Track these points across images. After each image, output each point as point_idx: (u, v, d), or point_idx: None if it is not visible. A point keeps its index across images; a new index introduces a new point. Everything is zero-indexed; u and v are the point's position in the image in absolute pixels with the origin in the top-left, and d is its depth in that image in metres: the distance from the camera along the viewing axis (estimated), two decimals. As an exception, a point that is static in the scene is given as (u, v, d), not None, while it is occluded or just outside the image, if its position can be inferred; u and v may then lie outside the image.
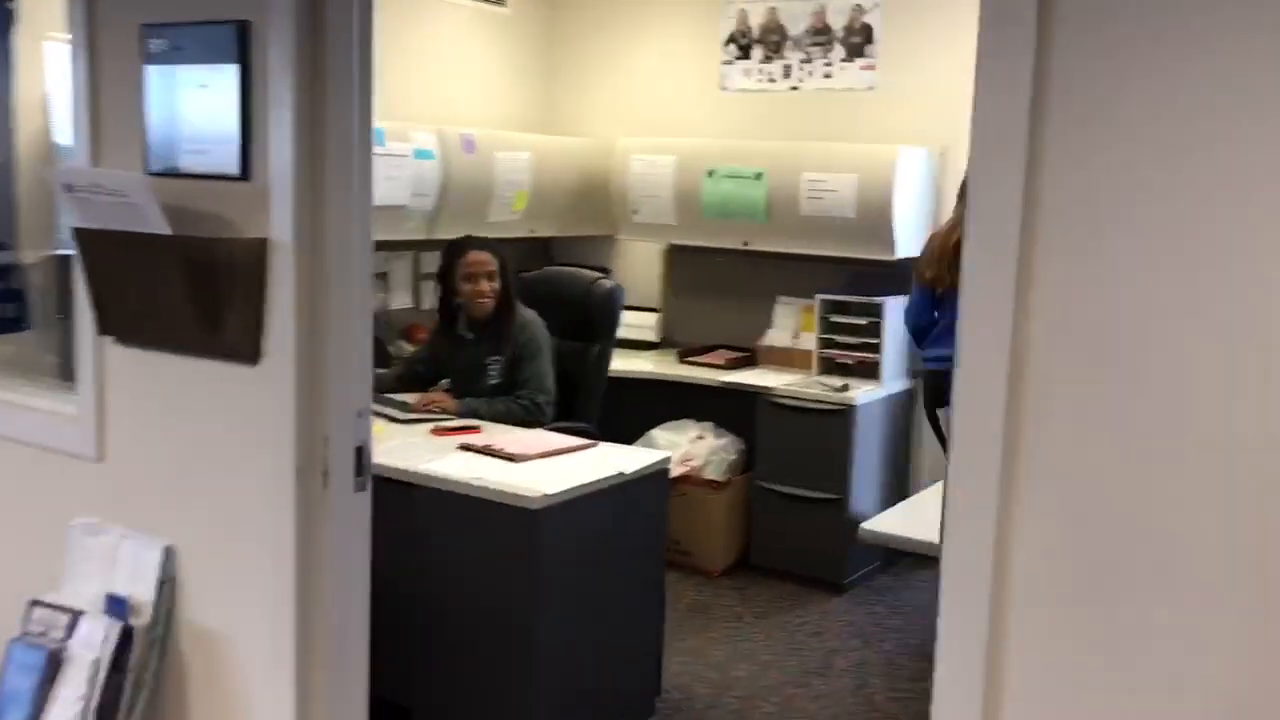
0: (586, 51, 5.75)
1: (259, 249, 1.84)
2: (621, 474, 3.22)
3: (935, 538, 2.71)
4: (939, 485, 3.15)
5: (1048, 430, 1.34)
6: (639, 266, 5.69)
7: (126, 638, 1.99)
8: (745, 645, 4.14)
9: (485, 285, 3.93)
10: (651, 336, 5.40)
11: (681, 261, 5.57)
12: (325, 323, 1.84)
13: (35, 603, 2.10)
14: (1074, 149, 1.32)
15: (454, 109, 5.16)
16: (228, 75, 1.82)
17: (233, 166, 1.84)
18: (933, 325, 4.05)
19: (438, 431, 3.56)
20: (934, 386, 4.08)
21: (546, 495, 2.98)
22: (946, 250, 3.82)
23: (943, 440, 4.01)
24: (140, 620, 2.01)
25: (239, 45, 1.80)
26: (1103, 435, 1.32)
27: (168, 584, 2.03)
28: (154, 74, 1.90)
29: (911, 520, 2.86)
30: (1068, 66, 1.32)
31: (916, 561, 5.08)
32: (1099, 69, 1.30)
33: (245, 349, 1.88)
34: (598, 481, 3.15)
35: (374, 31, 1.84)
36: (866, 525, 2.72)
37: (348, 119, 1.82)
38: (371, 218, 1.91)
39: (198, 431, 1.97)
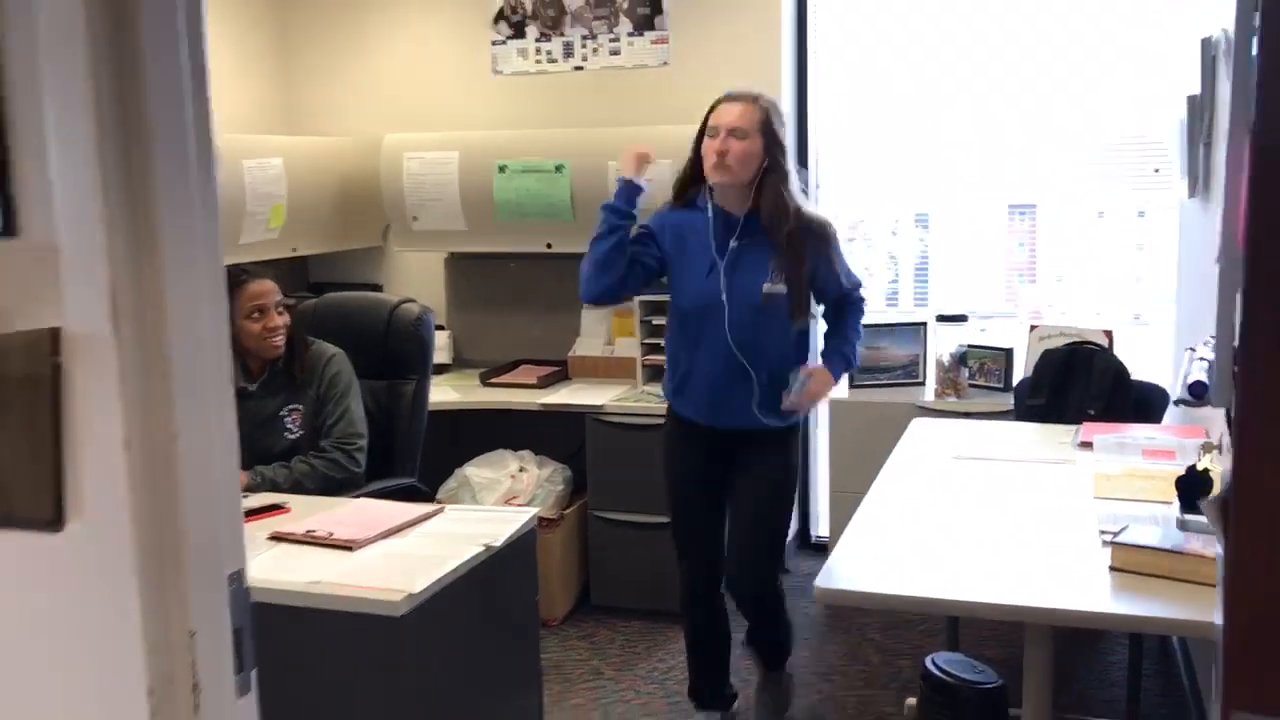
0: (328, 37, 4.97)
1: (44, 347, 1.12)
2: (489, 547, 2.61)
3: (913, 588, 2.28)
4: (869, 510, 2.73)
5: None
6: (415, 280, 4.99)
7: None
8: (619, 708, 3.61)
9: (278, 319, 3.25)
10: (444, 359, 4.72)
11: (467, 271, 4.92)
12: (172, 452, 1.15)
13: None
14: None
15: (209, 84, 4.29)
16: (-39, 63, 1.09)
17: (-16, 214, 1.12)
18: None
19: (233, 518, 2.79)
20: None
21: (412, 595, 2.34)
22: None
23: None
24: None
25: (-23, 11, 1.07)
26: None
27: None
28: None
29: (865, 566, 2.41)
30: None
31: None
32: None
33: (31, 509, 1.16)
34: (466, 563, 2.53)
35: None
36: (822, 584, 2.24)
37: (179, 118, 1.14)
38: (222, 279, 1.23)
39: (-41, 643, 1.22)
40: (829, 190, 4.79)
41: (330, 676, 2.40)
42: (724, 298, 3.00)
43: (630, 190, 3.07)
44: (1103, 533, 2.44)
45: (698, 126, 4.20)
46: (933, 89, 4.58)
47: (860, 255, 4.86)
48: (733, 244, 3.03)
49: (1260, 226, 0.92)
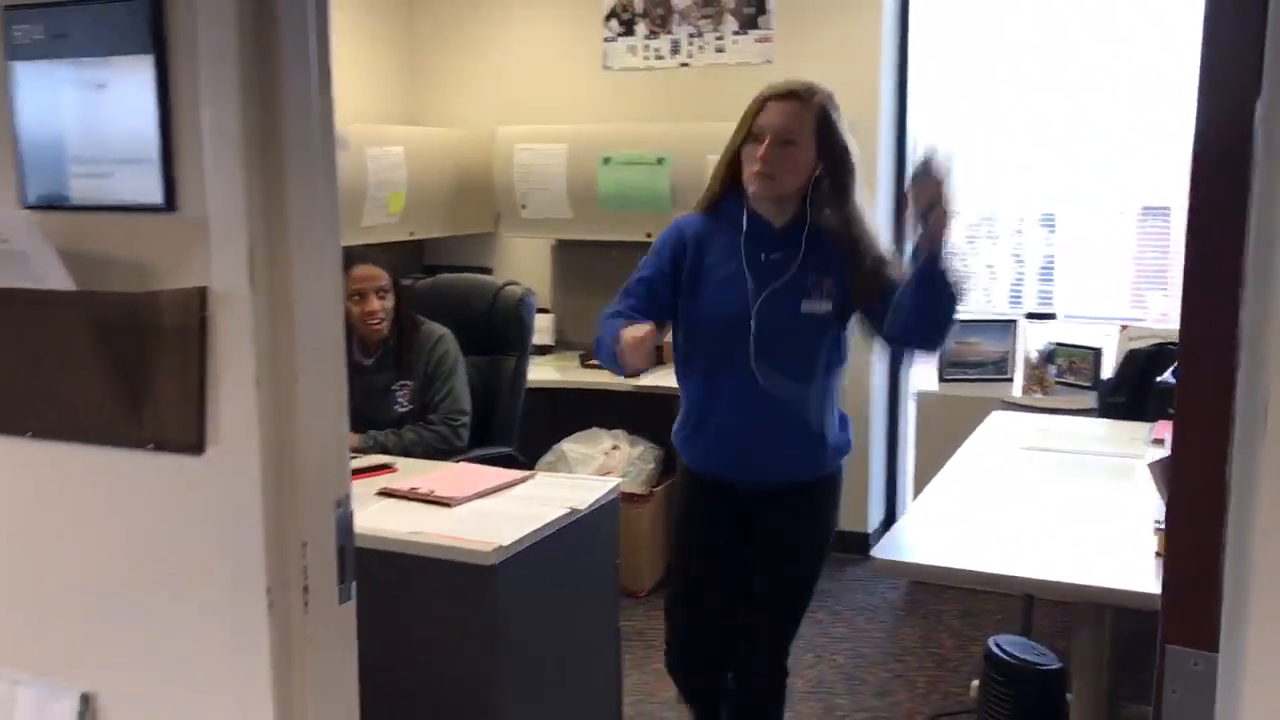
0: (451, 33, 5.27)
1: (194, 302, 1.37)
2: (574, 510, 2.83)
3: (962, 562, 2.43)
4: (932, 492, 2.88)
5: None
6: (523, 265, 5.26)
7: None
8: (695, 674, 3.80)
9: (376, 304, 3.48)
10: (546, 340, 4.99)
11: (572, 257, 5.17)
12: (292, 392, 1.39)
13: (-101, 783, 1.58)
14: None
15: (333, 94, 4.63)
16: (137, 70, 1.34)
17: (151, 193, 1.37)
18: None
19: (346, 475, 3.06)
20: None
21: (502, 547, 2.57)
22: None
23: None
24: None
25: (152, 28, 1.32)
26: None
27: (87, 743, 1.55)
28: (25, 73, 1.40)
29: (922, 542, 2.56)
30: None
31: (843, 558, 4.86)
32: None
33: (180, 435, 1.41)
34: (552, 523, 2.76)
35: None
36: (880, 555, 2.41)
37: (307, 120, 1.37)
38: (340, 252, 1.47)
39: (120, 544, 1.49)
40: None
41: (426, 617, 2.64)
42: (751, 318, 2.53)
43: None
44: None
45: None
46: (1048, 87, 4.63)
47: (984, 253, 4.95)
48: (763, 258, 2.56)
49: (1197, 224, 1.07)
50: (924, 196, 2.27)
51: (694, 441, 2.70)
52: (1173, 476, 1.14)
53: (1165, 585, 1.15)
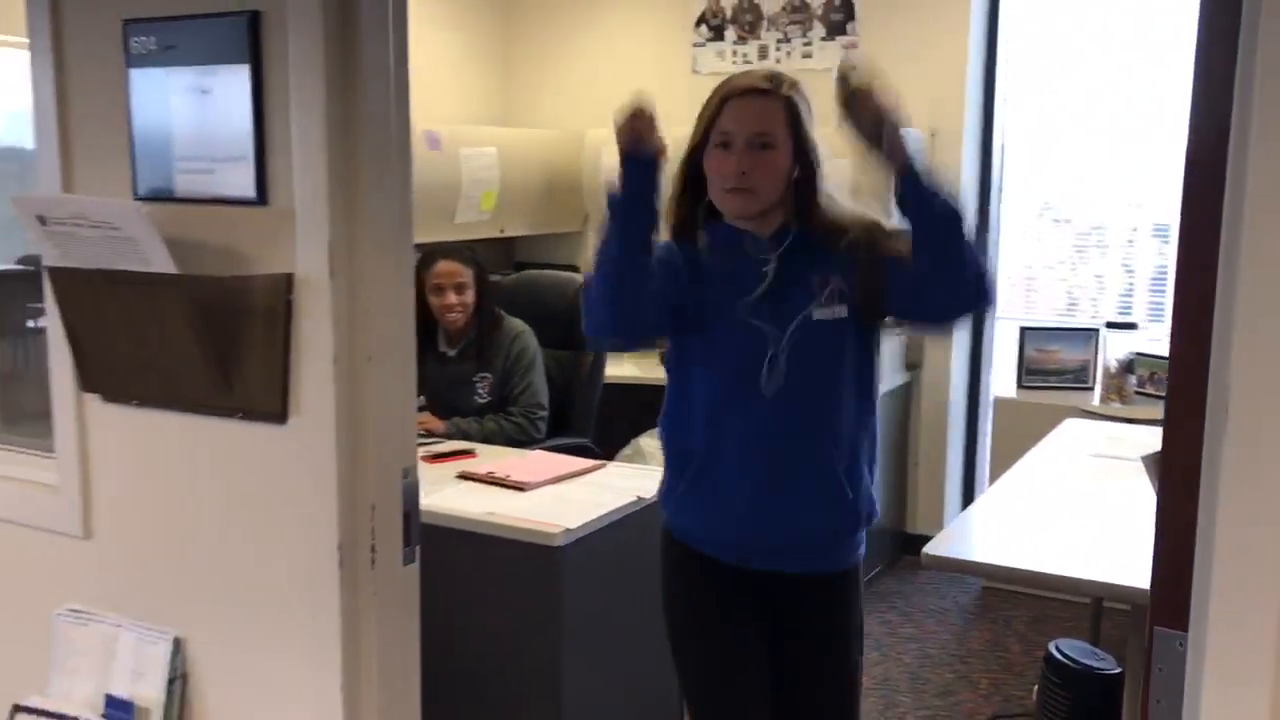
0: (546, 37, 5.44)
1: (281, 287, 1.53)
2: (640, 499, 2.95)
3: (1007, 559, 2.49)
4: (994, 494, 2.93)
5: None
6: (610, 263, 5.39)
7: (131, 747, 1.68)
8: (760, 665, 3.90)
9: (453, 298, 3.64)
10: (629, 337, 5.12)
11: (657, 257, 5.29)
12: (365, 370, 1.54)
13: (20, 708, 1.77)
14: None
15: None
16: (236, 78, 1.50)
17: (245, 188, 1.53)
18: None
19: (428, 459, 3.24)
20: None
21: (569, 530, 2.71)
22: None
23: None
24: (147, 725, 1.70)
25: (250, 41, 1.48)
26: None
27: (179, 682, 1.72)
28: (140, 79, 1.58)
29: (976, 540, 2.63)
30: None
31: (916, 561, 4.90)
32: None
33: (266, 405, 1.57)
34: (618, 510, 2.88)
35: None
36: (930, 551, 2.48)
37: (384, 126, 1.52)
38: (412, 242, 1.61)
39: (210, 503, 1.66)
40: (1045, 191, 4.91)
41: (496, 594, 2.79)
42: (756, 337, 2.04)
43: (637, 168, 2.03)
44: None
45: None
46: (1150, 91, 4.61)
47: (1094, 263, 4.94)
48: (757, 271, 2.06)
49: (1186, 243, 1.15)
50: (865, 117, 1.88)
51: (691, 501, 2.15)
52: (1161, 471, 1.21)
53: (1154, 572, 1.22)
